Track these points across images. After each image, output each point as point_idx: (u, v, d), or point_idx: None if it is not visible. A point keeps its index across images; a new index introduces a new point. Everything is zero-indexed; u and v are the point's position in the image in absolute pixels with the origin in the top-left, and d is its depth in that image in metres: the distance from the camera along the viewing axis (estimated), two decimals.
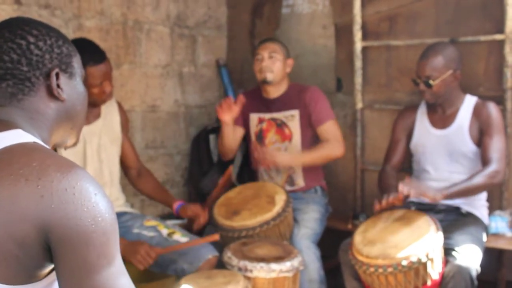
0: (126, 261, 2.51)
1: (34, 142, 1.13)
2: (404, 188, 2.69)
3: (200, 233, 3.06)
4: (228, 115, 3.25)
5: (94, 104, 2.77)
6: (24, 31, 1.19)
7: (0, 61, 1.17)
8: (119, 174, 3.00)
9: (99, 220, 1.05)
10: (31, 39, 1.19)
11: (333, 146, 3.25)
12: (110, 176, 2.90)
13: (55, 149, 1.32)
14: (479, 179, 2.81)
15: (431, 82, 2.90)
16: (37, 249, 1.04)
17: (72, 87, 1.27)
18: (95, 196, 1.06)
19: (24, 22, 1.22)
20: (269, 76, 3.28)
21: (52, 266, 1.10)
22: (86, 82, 2.56)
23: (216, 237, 2.80)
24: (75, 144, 1.35)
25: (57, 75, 1.22)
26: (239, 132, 3.47)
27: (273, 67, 3.28)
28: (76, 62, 1.28)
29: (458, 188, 2.79)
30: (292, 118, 3.34)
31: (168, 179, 3.99)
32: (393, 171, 3.18)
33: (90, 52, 2.64)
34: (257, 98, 3.44)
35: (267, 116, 3.40)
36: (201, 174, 3.98)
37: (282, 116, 3.36)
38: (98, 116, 2.88)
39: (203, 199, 3.88)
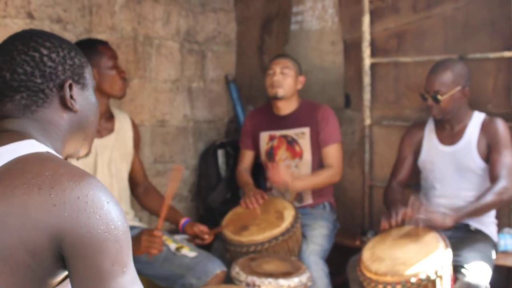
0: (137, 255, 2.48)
1: (47, 152, 1.14)
2: (412, 215, 2.69)
3: (208, 248, 3.05)
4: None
5: (116, 94, 2.79)
6: (37, 43, 1.20)
7: (14, 73, 1.18)
8: (129, 189, 3.01)
9: (112, 228, 1.05)
10: (44, 51, 1.20)
11: (333, 172, 3.28)
12: (119, 191, 2.90)
13: (66, 159, 1.32)
14: (488, 198, 2.78)
15: (439, 97, 2.89)
16: (49, 257, 1.04)
17: (84, 98, 1.28)
18: (108, 204, 1.07)
19: (36, 34, 1.23)
20: (280, 92, 3.28)
21: (64, 274, 1.10)
22: (101, 69, 2.69)
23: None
24: (87, 155, 1.36)
25: (70, 86, 1.23)
26: (250, 156, 3.53)
27: (284, 82, 3.28)
28: (88, 73, 1.30)
29: (468, 209, 2.77)
30: (303, 136, 3.34)
31: (176, 194, 3.99)
32: (399, 187, 3.17)
33: (95, 39, 2.93)
34: (267, 116, 3.45)
35: (277, 133, 3.40)
36: (209, 189, 3.99)
37: (293, 133, 3.36)
38: (111, 130, 2.90)
39: (211, 214, 3.88)
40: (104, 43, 2.82)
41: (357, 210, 3.82)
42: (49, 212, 1.02)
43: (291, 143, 3.36)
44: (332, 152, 3.30)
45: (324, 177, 3.27)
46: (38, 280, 1.06)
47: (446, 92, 2.89)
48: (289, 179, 3.13)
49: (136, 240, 2.53)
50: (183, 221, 2.94)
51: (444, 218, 2.70)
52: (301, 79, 3.37)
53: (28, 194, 1.03)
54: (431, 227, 2.75)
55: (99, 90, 2.67)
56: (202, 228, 2.88)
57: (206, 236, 2.88)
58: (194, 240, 2.90)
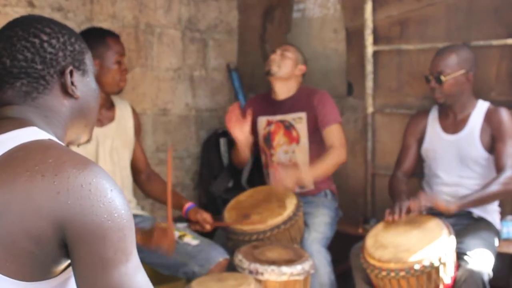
0: (152, 248, 2.58)
1: (49, 139, 1.13)
2: (415, 206, 2.70)
3: (211, 235, 3.05)
4: (239, 131, 3.17)
5: (109, 90, 2.78)
6: (37, 29, 1.19)
7: (14, 60, 1.17)
8: (131, 177, 3.01)
9: (115, 216, 1.05)
10: (45, 37, 1.19)
11: (338, 152, 3.20)
12: (122, 179, 2.90)
13: (68, 146, 1.32)
14: (494, 187, 2.78)
15: (442, 78, 2.89)
16: (53, 245, 1.04)
17: (85, 84, 1.27)
18: (111, 192, 1.06)
19: (36, 20, 1.22)
20: (274, 69, 3.29)
21: (67, 262, 1.10)
22: (103, 62, 2.68)
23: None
24: (88, 141, 1.36)
25: (71, 72, 1.22)
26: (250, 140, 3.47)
27: (281, 62, 3.29)
28: (88, 59, 1.29)
29: (472, 198, 2.77)
30: (300, 121, 3.33)
31: (178, 182, 3.99)
32: (404, 176, 3.16)
33: (106, 30, 2.85)
34: (265, 101, 3.44)
35: (275, 118, 3.39)
36: (211, 177, 3.99)
37: (290, 118, 3.35)
38: (112, 119, 2.89)
39: (213, 203, 3.88)
40: (114, 36, 2.79)
41: (359, 198, 3.82)
42: (53, 200, 1.02)
43: (288, 128, 3.35)
44: (333, 132, 3.25)
45: (331, 159, 3.18)
46: (42, 268, 1.06)
47: (450, 74, 2.89)
48: (291, 183, 3.06)
49: (148, 233, 2.57)
50: (187, 205, 2.94)
51: (448, 204, 2.70)
52: (301, 67, 3.36)
53: (31, 181, 1.02)
54: (435, 214, 2.76)
55: (97, 82, 2.66)
56: (205, 216, 2.88)
57: (208, 226, 2.88)
58: (195, 225, 2.91)
